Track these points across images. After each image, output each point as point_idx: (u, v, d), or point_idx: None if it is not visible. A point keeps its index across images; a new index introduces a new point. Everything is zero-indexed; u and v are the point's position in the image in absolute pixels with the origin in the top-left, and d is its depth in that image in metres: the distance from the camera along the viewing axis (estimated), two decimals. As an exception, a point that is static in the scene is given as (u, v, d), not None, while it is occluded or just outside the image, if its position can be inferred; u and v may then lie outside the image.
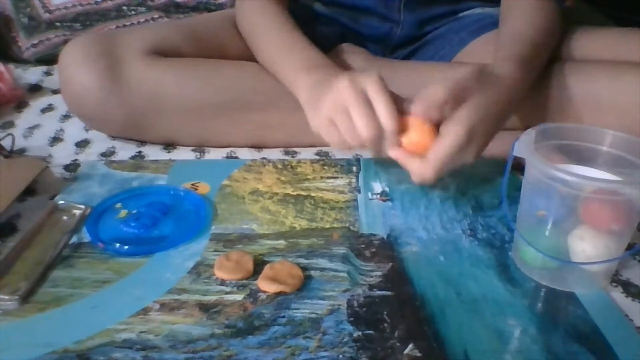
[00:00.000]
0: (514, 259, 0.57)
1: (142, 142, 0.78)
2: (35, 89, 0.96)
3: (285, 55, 0.72)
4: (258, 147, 0.79)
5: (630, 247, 0.53)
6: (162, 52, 0.74)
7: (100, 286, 0.52)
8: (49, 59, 1.04)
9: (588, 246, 0.51)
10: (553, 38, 0.74)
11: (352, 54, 0.86)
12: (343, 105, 0.58)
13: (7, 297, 0.50)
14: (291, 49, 0.72)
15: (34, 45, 1.06)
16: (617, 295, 0.53)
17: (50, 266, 0.54)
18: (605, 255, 0.51)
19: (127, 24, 1.08)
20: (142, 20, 1.08)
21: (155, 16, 1.08)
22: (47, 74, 1.02)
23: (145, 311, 0.49)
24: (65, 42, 1.02)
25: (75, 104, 0.74)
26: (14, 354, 0.45)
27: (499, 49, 0.68)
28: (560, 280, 0.53)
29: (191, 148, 0.78)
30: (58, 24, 1.07)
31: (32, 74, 1.01)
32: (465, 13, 0.88)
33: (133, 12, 1.08)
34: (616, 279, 0.55)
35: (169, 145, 0.78)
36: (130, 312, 0.49)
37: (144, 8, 1.08)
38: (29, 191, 0.66)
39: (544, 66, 0.72)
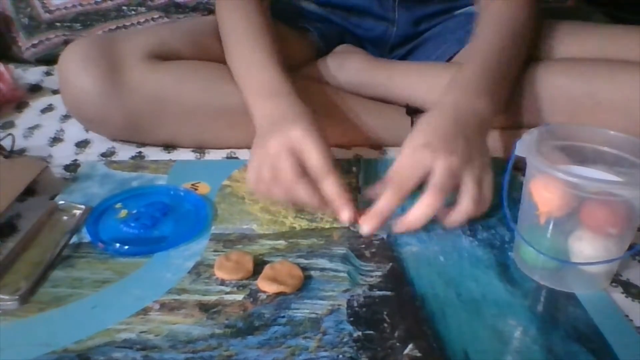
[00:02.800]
0: (515, 259, 0.57)
1: (142, 143, 0.78)
2: (35, 89, 0.96)
3: (245, 71, 0.70)
4: None
5: (630, 247, 0.53)
6: (162, 56, 0.74)
7: (100, 286, 0.52)
8: (49, 59, 1.04)
9: (588, 247, 0.51)
10: (525, 40, 0.73)
11: (350, 54, 0.86)
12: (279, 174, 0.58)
13: (7, 297, 0.50)
14: (249, 66, 0.70)
15: (34, 45, 1.06)
16: (617, 295, 0.53)
17: (50, 266, 0.54)
18: (605, 257, 0.51)
19: (127, 24, 1.08)
20: (142, 20, 1.08)
21: (155, 16, 1.08)
22: (47, 74, 1.02)
23: (145, 311, 0.49)
24: (65, 42, 1.03)
25: (75, 107, 0.74)
26: (14, 354, 0.45)
27: (463, 68, 0.67)
28: (561, 281, 0.53)
29: (191, 148, 0.78)
30: (58, 24, 1.07)
31: (32, 74, 1.01)
32: (460, 11, 0.88)
33: (133, 12, 1.08)
34: (616, 280, 0.55)
35: (169, 146, 0.78)
36: (130, 312, 0.49)
37: (144, 8, 1.08)
38: (29, 191, 0.66)
39: (520, 69, 0.71)
